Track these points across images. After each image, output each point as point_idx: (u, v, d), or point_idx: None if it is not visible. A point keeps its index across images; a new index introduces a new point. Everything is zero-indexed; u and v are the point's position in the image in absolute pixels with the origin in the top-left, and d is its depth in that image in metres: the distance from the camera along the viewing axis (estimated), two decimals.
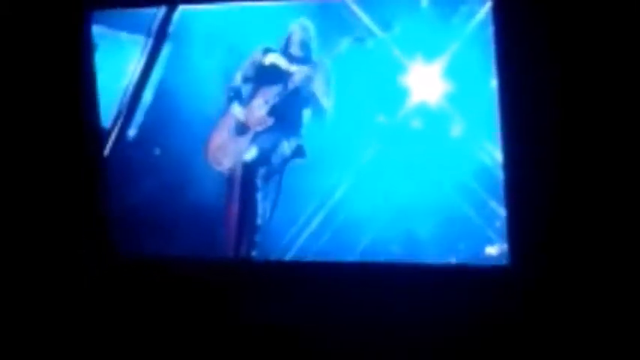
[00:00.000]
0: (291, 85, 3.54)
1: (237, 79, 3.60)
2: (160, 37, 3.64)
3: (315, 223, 3.52)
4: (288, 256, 3.59)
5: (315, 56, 3.46)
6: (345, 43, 3.37)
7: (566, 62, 3.04)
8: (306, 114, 3.51)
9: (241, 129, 3.63)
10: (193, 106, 3.65)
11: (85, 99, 3.73)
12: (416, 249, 3.39)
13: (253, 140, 3.62)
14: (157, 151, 3.73)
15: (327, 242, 3.52)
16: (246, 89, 3.60)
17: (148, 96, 3.71)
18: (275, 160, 3.60)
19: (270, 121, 3.59)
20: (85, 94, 3.72)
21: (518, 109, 3.12)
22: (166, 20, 3.63)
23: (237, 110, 3.62)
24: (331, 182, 3.48)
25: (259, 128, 3.61)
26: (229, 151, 3.65)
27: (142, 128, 3.73)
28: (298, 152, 3.55)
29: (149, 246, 3.79)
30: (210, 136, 3.66)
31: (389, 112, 3.36)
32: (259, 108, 3.60)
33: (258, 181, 3.63)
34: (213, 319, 3.67)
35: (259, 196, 3.64)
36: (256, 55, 3.57)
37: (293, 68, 3.52)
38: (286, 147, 3.57)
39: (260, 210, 3.64)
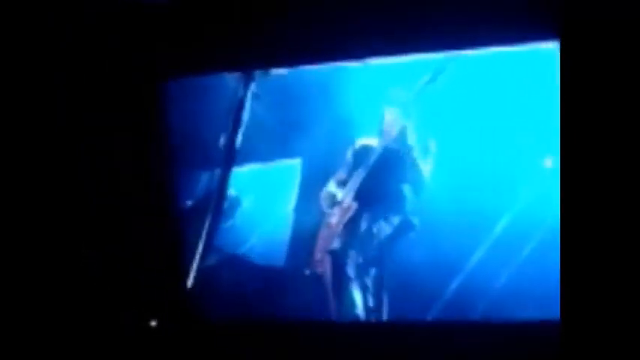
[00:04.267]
0: (378, 160, 3.46)
1: (332, 185, 3.57)
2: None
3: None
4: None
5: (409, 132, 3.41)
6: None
7: None
8: (404, 186, 3.43)
9: (334, 224, 3.55)
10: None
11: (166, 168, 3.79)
12: (496, 305, 3.26)
13: (344, 229, 3.54)
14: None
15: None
16: (340, 192, 3.56)
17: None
18: (372, 245, 3.47)
19: (356, 206, 3.50)
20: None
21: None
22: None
23: (331, 211, 3.56)
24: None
25: (348, 216, 3.52)
26: (325, 248, 3.56)
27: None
28: (404, 227, 3.41)
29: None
30: (313, 244, 3.61)
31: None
32: (347, 195, 3.53)
33: (350, 271, 3.51)
34: None
35: (353, 286, 3.51)
36: (349, 152, 3.55)
37: (382, 143, 3.45)
38: (385, 226, 3.46)
39: (358, 302, 3.51)
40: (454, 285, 3.34)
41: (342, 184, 3.55)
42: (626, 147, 2.87)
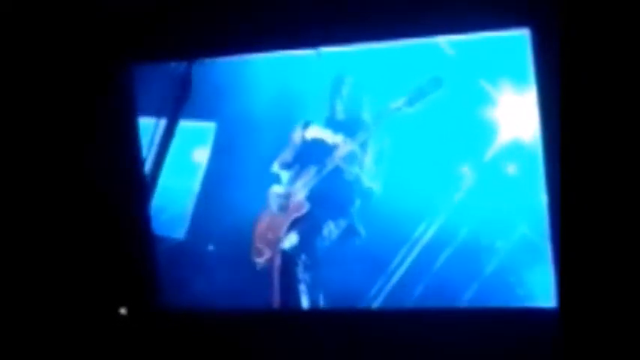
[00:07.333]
0: (334, 162, 3.39)
1: (275, 166, 3.48)
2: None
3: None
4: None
5: (365, 120, 3.32)
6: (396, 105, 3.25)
7: None
8: (354, 190, 3.36)
9: (280, 218, 3.49)
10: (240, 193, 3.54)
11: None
12: (462, 293, 3.30)
13: (292, 227, 3.47)
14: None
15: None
16: (285, 175, 3.48)
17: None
18: (320, 245, 3.44)
19: (308, 206, 3.44)
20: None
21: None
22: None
23: (274, 199, 3.50)
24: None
25: (297, 214, 3.46)
26: (269, 240, 3.51)
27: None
28: (349, 233, 3.39)
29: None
30: (254, 225, 3.53)
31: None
32: (298, 192, 3.45)
33: (299, 271, 3.48)
34: None
35: (301, 287, 3.49)
36: (296, 133, 3.44)
37: (338, 140, 3.38)
38: (333, 229, 3.42)
39: (303, 301, 3.50)
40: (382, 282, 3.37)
41: (287, 166, 3.47)
42: (625, 147, 2.96)
